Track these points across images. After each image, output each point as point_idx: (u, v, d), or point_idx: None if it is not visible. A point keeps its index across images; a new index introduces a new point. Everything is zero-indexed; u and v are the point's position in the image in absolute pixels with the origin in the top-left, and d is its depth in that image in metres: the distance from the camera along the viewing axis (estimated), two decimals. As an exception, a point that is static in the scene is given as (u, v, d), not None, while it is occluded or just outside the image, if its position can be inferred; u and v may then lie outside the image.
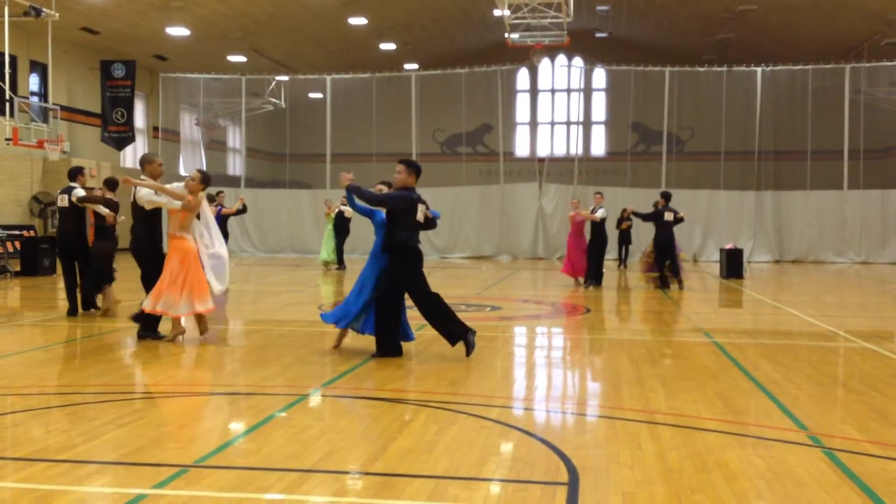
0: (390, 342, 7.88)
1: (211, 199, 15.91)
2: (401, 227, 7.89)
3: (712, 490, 4.16)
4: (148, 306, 8.57)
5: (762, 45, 30.72)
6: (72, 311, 11.04)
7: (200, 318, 8.86)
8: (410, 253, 7.93)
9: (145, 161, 9.16)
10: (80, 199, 11.13)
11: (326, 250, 20.51)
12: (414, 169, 8.06)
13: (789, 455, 4.78)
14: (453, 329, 7.83)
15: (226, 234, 14.85)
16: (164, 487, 4.12)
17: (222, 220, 16.35)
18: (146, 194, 8.75)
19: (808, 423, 5.54)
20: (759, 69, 27.35)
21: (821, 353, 8.64)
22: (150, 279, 8.82)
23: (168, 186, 8.82)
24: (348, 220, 20.55)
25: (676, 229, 16.12)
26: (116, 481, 4.26)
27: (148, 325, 8.77)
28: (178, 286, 8.57)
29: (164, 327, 8.93)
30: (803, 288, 17.74)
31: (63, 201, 11.19)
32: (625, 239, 22.36)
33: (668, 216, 15.77)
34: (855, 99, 26.60)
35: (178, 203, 8.69)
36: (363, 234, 27.37)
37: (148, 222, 8.91)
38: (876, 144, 28.43)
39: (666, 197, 16.30)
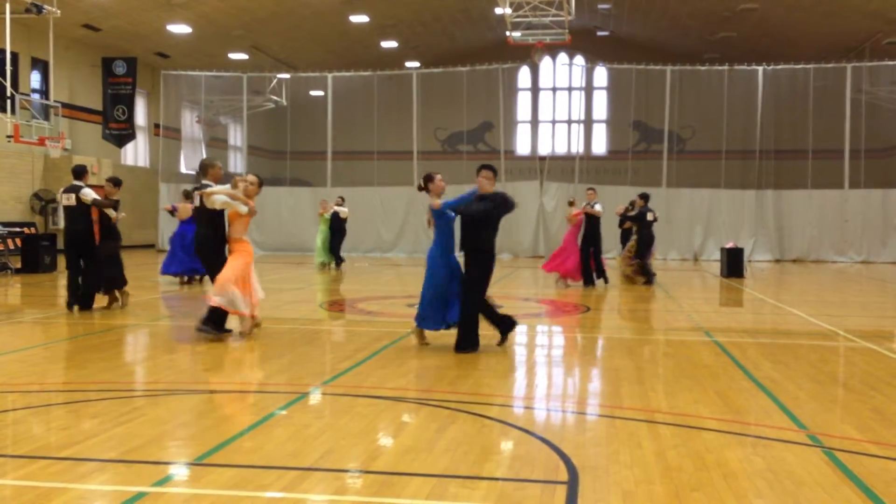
0: (474, 338, 8.19)
1: (188, 195, 15.95)
2: (487, 229, 8.24)
3: (711, 489, 4.16)
4: (214, 301, 8.67)
5: (763, 43, 30.70)
6: (71, 304, 11.20)
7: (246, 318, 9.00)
8: (492, 253, 8.32)
9: (208, 166, 9.25)
10: (95, 203, 11.24)
11: (321, 252, 20.37)
12: (495, 174, 8.46)
13: (789, 454, 4.78)
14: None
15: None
16: (164, 485, 4.13)
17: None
18: (220, 199, 8.84)
19: (808, 423, 5.55)
20: (760, 68, 27.33)
21: (821, 353, 8.64)
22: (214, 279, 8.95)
23: (224, 188, 8.99)
24: (344, 220, 20.47)
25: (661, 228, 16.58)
26: (116, 479, 4.26)
27: (217, 321, 8.79)
28: (243, 285, 8.77)
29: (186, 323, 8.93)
30: (804, 287, 17.74)
31: (70, 200, 11.19)
32: (627, 238, 22.32)
33: (650, 216, 16.59)
34: (856, 98, 26.57)
35: (244, 208, 8.89)
36: (360, 234, 27.53)
37: (213, 225, 8.99)
38: (877, 144, 28.40)
39: (645, 198, 16.88)
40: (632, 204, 17.40)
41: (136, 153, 31.41)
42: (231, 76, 29.62)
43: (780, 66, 27.34)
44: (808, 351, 8.69)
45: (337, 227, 20.27)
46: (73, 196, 11.15)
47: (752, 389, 6.65)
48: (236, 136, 34.79)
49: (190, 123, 31.60)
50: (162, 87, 29.07)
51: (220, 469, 4.40)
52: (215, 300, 8.63)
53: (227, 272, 8.72)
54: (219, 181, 9.15)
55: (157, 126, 30.45)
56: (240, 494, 3.99)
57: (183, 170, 30.87)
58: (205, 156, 31.58)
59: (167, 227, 28.14)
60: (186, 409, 5.92)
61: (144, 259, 23.51)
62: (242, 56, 31.21)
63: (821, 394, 6.54)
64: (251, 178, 9.26)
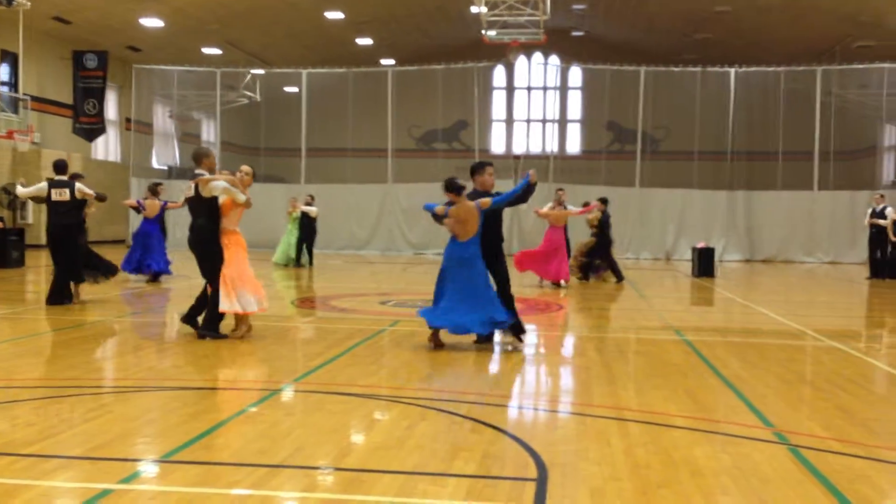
0: (519, 320, 8.44)
1: (154, 191, 15.82)
2: (501, 223, 8.53)
3: (678, 486, 4.20)
4: (226, 307, 8.40)
5: (736, 46, 30.99)
6: (59, 300, 11.18)
7: (244, 318, 8.70)
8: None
9: (203, 155, 8.89)
10: (98, 197, 11.33)
11: (284, 250, 19.68)
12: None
13: (755, 452, 4.84)
14: None
15: (164, 230, 14.46)
16: (131, 482, 4.09)
17: (163, 215, 15.95)
18: (221, 185, 8.55)
19: (775, 421, 5.61)
20: (732, 70, 27.59)
21: (789, 352, 8.75)
22: (213, 273, 8.56)
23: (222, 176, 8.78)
24: (314, 219, 20.04)
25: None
26: (82, 476, 4.21)
27: (213, 324, 8.57)
28: (249, 282, 8.57)
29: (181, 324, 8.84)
30: (773, 287, 17.95)
31: (63, 195, 11.04)
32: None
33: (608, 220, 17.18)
34: (826, 101, 26.90)
35: (243, 196, 8.68)
36: (333, 231, 27.45)
37: (211, 215, 8.62)
38: (846, 146, 28.78)
39: (605, 202, 17.22)
40: (585, 204, 17.55)
41: (107, 147, 31.07)
42: (204, 71, 29.36)
43: (751, 69, 27.62)
44: (776, 350, 8.80)
45: (308, 226, 19.98)
46: (68, 191, 11.04)
47: (720, 387, 6.72)
48: (209, 131, 34.51)
49: (162, 118, 31.29)
50: (134, 81, 28.75)
51: (188, 466, 4.36)
52: (229, 306, 8.36)
53: (231, 272, 8.44)
54: (212, 172, 8.84)
55: (128, 120, 30.13)
56: (207, 492, 3.96)
57: (155, 165, 30.58)
58: (177, 152, 31.32)
59: (136, 223, 27.90)
60: (155, 405, 5.86)
61: (115, 255, 23.18)
62: (216, 51, 30.96)
63: (788, 392, 6.62)
64: (246, 168, 9.12)
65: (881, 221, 18.75)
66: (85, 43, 27.45)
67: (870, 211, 19.44)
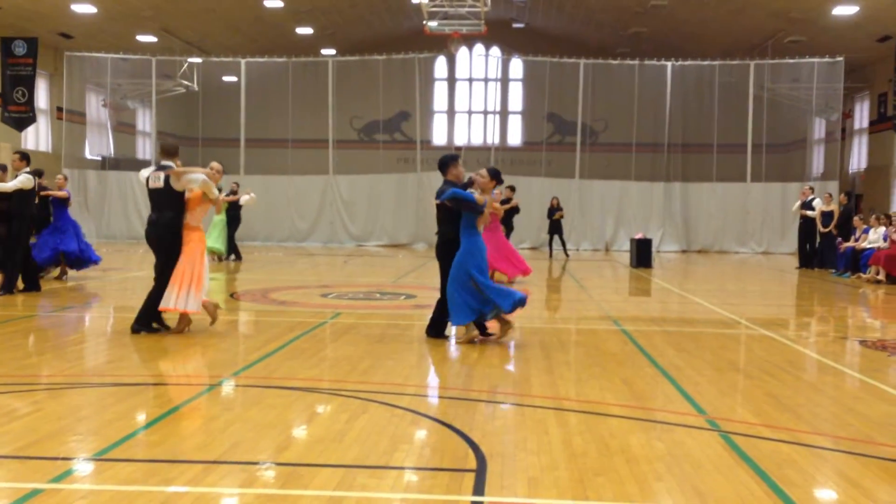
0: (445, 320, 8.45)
1: (38, 173, 15.07)
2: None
3: (614, 474, 4.28)
4: (171, 304, 8.14)
5: (672, 40, 31.52)
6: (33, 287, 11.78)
7: (186, 315, 8.45)
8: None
9: (175, 147, 8.70)
10: (43, 189, 11.86)
11: (217, 240, 18.54)
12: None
13: (688, 439, 4.96)
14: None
15: (46, 220, 13.63)
16: (62, 481, 4.00)
17: (44, 204, 14.02)
18: (201, 178, 8.33)
19: (708, 408, 5.76)
20: (668, 63, 28.07)
21: (722, 340, 8.97)
22: (167, 268, 8.30)
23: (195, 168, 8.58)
24: (240, 207, 18.76)
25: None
26: (10, 476, 4.10)
27: (147, 319, 8.35)
28: (200, 281, 8.30)
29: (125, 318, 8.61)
30: (708, 277, 18.37)
31: (30, 183, 11.55)
32: (556, 229, 22.54)
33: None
34: (759, 95, 27.58)
35: (217, 192, 8.56)
36: (274, 223, 27.16)
37: (179, 209, 8.35)
38: (777, 139, 29.56)
39: (513, 189, 18.12)
40: (507, 200, 17.91)
41: (38, 137, 30.12)
42: (139, 59, 28.67)
43: (687, 63, 28.15)
44: (709, 339, 9.01)
45: (233, 216, 18.93)
46: (34, 178, 11.75)
47: (656, 376, 6.86)
48: (145, 121, 33.76)
49: (95, 107, 30.48)
50: (65, 68, 27.92)
51: (122, 464, 4.28)
52: (174, 304, 8.13)
53: (186, 270, 8.21)
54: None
55: (59, 109, 29.25)
56: (141, 490, 3.90)
57: (88, 155, 29.78)
58: (111, 141, 30.56)
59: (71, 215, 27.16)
60: (88, 402, 5.73)
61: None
62: (151, 39, 30.22)
63: (720, 380, 6.79)
64: (216, 165, 8.96)
65: (810, 213, 19.34)
66: (13, 29, 26.54)
67: (799, 203, 20.02)
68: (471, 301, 8.02)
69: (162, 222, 8.37)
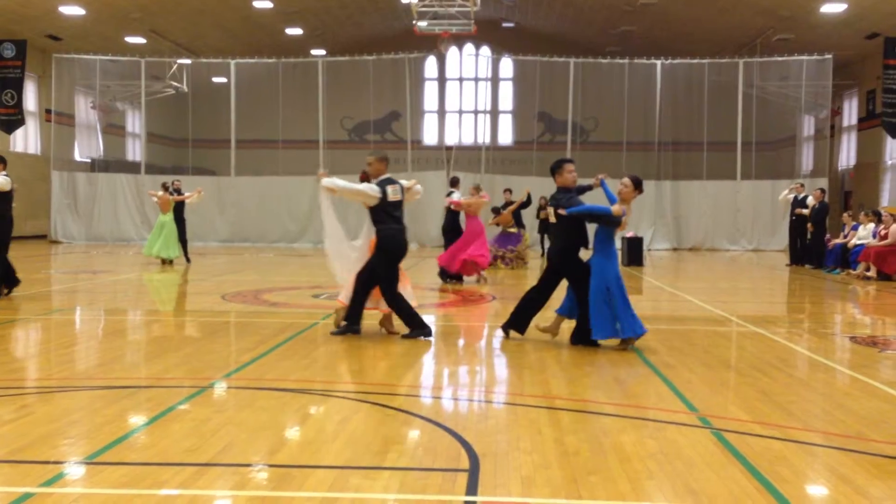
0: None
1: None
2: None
3: (607, 472, 4.29)
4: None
5: (662, 38, 31.61)
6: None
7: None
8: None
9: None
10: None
11: (168, 245, 17.62)
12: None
13: (680, 437, 4.97)
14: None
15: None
16: (52, 485, 3.98)
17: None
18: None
19: (699, 406, 5.77)
20: (658, 62, 28.13)
21: (713, 338, 9.00)
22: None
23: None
24: (183, 208, 18.41)
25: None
26: (1, 480, 4.08)
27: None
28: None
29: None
30: (699, 275, 18.42)
31: (7, 185, 11.46)
32: (546, 228, 22.57)
33: None
34: (748, 93, 27.67)
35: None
36: (265, 224, 27.07)
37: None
38: (767, 137, 29.67)
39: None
40: (507, 190, 18.62)
41: (27, 140, 30.00)
42: (128, 61, 28.58)
43: (677, 61, 28.22)
44: (701, 336, 9.04)
45: (179, 217, 18.25)
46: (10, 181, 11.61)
47: (648, 375, 6.87)
48: (134, 122, 33.65)
49: (84, 109, 30.35)
50: (54, 71, 27.80)
51: (113, 467, 4.26)
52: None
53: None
54: None
55: (48, 112, 29.13)
56: (132, 493, 3.88)
57: (77, 157, 29.65)
58: (101, 143, 30.40)
59: (61, 218, 27.07)
60: (79, 405, 5.71)
61: (36, 250, 22.52)
62: (140, 40, 30.12)
63: (712, 377, 6.81)
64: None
65: (804, 211, 19.20)
66: (2, 32, 26.43)
67: (791, 199, 20.00)
68: (610, 315, 7.93)
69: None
